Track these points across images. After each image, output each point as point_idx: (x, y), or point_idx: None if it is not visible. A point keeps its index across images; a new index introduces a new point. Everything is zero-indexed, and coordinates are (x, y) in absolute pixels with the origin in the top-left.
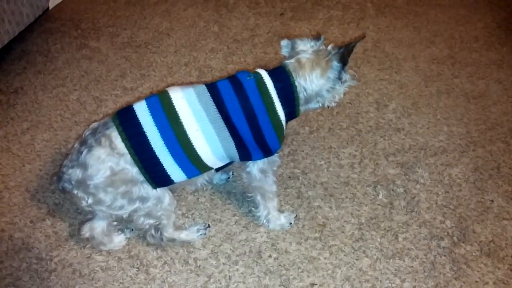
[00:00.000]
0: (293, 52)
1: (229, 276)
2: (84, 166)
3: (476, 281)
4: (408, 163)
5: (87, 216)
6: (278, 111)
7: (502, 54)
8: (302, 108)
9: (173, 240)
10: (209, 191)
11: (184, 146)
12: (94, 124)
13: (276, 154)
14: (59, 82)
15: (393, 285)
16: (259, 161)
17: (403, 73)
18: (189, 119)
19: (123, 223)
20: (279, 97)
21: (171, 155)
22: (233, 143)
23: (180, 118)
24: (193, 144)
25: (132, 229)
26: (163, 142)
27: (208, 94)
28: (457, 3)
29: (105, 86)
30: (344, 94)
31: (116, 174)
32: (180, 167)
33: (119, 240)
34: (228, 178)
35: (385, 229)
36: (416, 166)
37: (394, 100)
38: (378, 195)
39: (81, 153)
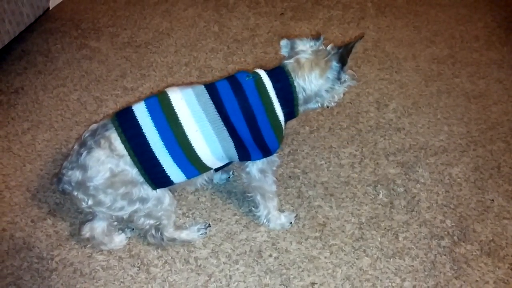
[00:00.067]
0: (293, 52)
1: (230, 275)
2: (83, 168)
3: (476, 280)
4: (408, 162)
5: (88, 217)
6: (277, 111)
7: (503, 53)
8: (301, 108)
9: (173, 239)
10: (210, 190)
11: (183, 147)
12: (93, 126)
13: (275, 154)
14: (60, 82)
15: (393, 284)
16: (258, 161)
17: (403, 72)
18: (188, 120)
19: (124, 223)
20: (278, 97)
21: (171, 156)
22: (232, 144)
23: (179, 119)
24: (193, 144)
25: (133, 229)
26: (162, 143)
27: (207, 95)
28: (458, 3)
29: (105, 86)
30: (344, 94)
31: (116, 176)
32: (179, 167)
33: (119, 239)
34: (229, 177)
35: (385, 228)
36: (416, 166)
37: (394, 99)
38: (379, 195)
39: (81, 154)
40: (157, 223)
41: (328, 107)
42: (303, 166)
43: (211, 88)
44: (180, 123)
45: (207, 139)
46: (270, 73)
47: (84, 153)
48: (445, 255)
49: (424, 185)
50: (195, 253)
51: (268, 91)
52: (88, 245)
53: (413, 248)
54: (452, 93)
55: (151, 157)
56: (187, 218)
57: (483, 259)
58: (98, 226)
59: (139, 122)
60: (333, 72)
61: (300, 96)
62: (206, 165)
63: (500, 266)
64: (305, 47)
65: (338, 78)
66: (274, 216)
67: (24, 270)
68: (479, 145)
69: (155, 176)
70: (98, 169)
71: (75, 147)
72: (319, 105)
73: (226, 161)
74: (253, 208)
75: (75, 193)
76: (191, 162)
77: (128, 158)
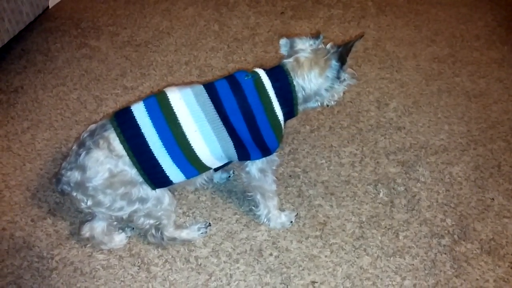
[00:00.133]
0: (292, 51)
1: (230, 274)
2: (82, 169)
3: (477, 279)
4: (409, 161)
5: (87, 217)
6: (276, 111)
7: (503, 52)
8: (300, 107)
9: (174, 239)
10: (210, 190)
11: (182, 147)
12: (92, 126)
13: (274, 154)
14: (59, 81)
15: (393, 283)
16: (258, 160)
17: (404, 71)
18: (187, 120)
19: (124, 223)
20: (277, 96)
21: (170, 156)
22: (232, 143)
23: (178, 119)
24: (192, 145)
25: (133, 228)
26: (161, 143)
27: (206, 95)
28: (458, 2)
29: (105, 85)
30: (344, 93)
31: (115, 176)
32: (179, 168)
33: (120, 239)
34: (229, 177)
35: (385, 227)
36: (416, 165)
37: (395, 98)
38: (379, 194)
39: (79, 155)
40: (157, 223)
41: (328, 106)
42: (304, 165)
43: (210, 88)
44: (179, 123)
45: (206, 139)
46: (269, 72)
47: (83, 154)
48: (445, 253)
49: (424, 184)
50: (196, 252)
51: (267, 91)
52: (88, 245)
53: (413, 247)
54: (452, 92)
55: (150, 157)
56: (188, 217)
57: (483, 258)
58: (98, 226)
59: (138, 122)
60: (332, 71)
61: (300, 95)
62: (205, 165)
63: (500, 265)
64: (304, 46)
65: (338, 77)
66: (275, 215)
67: (25, 269)
68: (479, 144)
69: (154, 176)
70: (97, 170)
71: (74, 147)
72: (319, 104)
73: (226, 161)
74: (253, 208)
75: (74, 194)
76: (190, 162)
77: (127, 158)
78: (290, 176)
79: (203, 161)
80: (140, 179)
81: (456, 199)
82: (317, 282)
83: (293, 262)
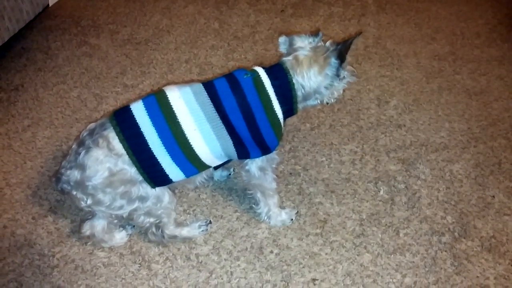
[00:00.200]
0: (291, 49)
1: (231, 271)
2: (82, 167)
3: (477, 276)
4: (409, 159)
5: (87, 215)
6: (275, 109)
7: (504, 50)
8: (300, 106)
9: (174, 237)
10: (210, 187)
11: (182, 146)
12: (91, 125)
13: (274, 152)
14: (60, 79)
15: (394, 280)
16: (257, 159)
17: (404, 69)
18: (187, 119)
19: (124, 221)
20: (276, 95)
21: (169, 155)
22: (231, 142)
23: (178, 117)
24: (191, 143)
25: (134, 226)
26: (161, 142)
27: (205, 93)
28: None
29: (105, 83)
30: (344, 91)
31: (114, 175)
32: (178, 166)
33: (120, 236)
34: (229, 174)
35: (386, 225)
36: (417, 162)
37: (395, 96)
38: (379, 191)
39: (79, 154)
40: (157, 221)
41: (328, 103)
42: (304, 163)
43: (209, 86)
44: (178, 121)
45: (205, 137)
46: (268, 70)
47: (82, 153)
48: (445, 251)
49: (425, 182)
50: (196, 250)
51: (267, 89)
52: (89, 243)
53: (413, 244)
54: (453, 90)
55: (149, 156)
56: (188, 215)
57: (483, 255)
58: (98, 224)
59: (137, 121)
60: (331, 68)
61: (299, 93)
62: (205, 163)
63: (500, 262)
64: (303, 43)
65: (337, 75)
66: (275, 213)
67: (26, 267)
68: (480, 142)
69: (154, 175)
70: (96, 169)
71: (73, 146)
72: (319, 102)
73: (225, 159)
74: (253, 205)
75: (74, 193)
76: (190, 161)
77: (126, 157)
78: (290, 174)
79: (202, 159)
80: (140, 177)
81: (457, 197)
82: (317, 280)
83: (293, 259)
